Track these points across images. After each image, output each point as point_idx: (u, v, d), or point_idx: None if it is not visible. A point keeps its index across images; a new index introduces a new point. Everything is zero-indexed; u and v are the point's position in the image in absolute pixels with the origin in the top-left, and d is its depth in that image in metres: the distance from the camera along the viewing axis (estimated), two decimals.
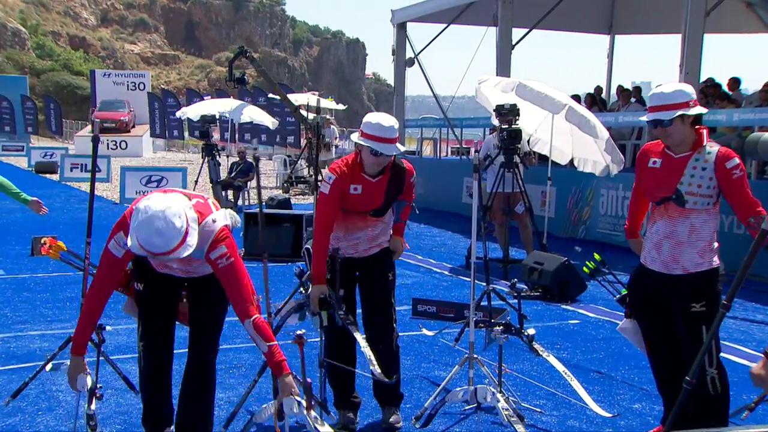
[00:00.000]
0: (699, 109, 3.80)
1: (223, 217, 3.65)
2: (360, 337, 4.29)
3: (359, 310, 4.61)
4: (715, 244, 3.90)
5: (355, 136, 4.34)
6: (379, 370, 4.13)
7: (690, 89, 3.84)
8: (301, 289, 4.65)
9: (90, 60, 70.27)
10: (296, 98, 24.55)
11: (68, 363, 3.61)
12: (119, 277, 3.67)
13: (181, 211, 3.36)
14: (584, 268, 4.62)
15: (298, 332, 3.96)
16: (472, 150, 22.99)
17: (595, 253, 4.66)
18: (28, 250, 10.04)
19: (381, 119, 4.29)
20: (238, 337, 6.37)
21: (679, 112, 3.73)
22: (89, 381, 3.64)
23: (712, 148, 3.80)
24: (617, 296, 4.34)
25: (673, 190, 3.81)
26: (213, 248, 3.50)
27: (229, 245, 3.53)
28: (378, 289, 4.50)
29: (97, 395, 3.84)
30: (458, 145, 19.32)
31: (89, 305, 3.60)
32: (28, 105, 40.76)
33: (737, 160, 3.76)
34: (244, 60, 17.51)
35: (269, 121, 19.53)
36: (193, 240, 3.36)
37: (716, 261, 3.91)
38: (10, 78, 49.16)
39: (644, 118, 3.98)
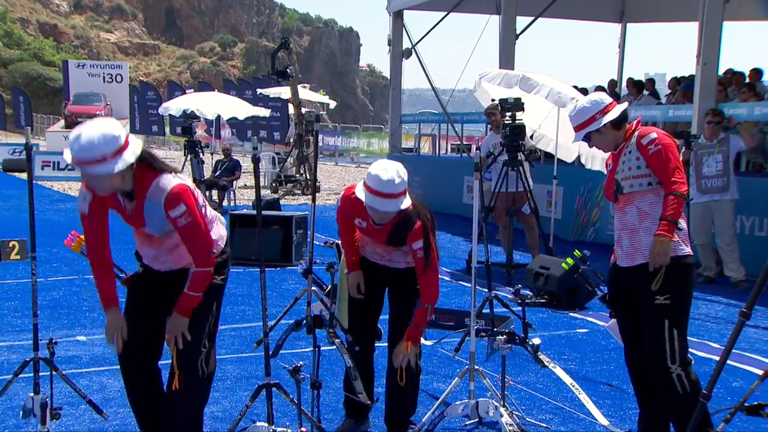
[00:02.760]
0: (611, 115, 4.09)
1: (185, 179, 3.83)
2: (348, 358, 4.38)
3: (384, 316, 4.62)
4: (682, 236, 4.00)
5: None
6: (363, 392, 4.32)
7: (599, 97, 4.17)
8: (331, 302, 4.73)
9: (62, 49, 70.16)
10: (284, 91, 24.60)
11: None
12: (104, 230, 3.85)
13: (122, 133, 3.56)
14: (563, 264, 4.73)
15: (296, 364, 4.03)
16: (474, 147, 23.06)
17: (575, 250, 4.69)
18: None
19: (380, 171, 4.09)
20: (223, 347, 6.39)
21: (588, 130, 4.14)
22: (38, 398, 3.83)
23: (638, 131, 4.13)
24: (599, 295, 4.44)
25: (611, 192, 4.20)
26: (172, 206, 3.66)
27: (189, 205, 3.69)
28: (403, 307, 4.46)
29: (53, 414, 3.86)
30: (458, 142, 19.36)
31: (95, 262, 3.85)
32: None
33: (653, 135, 4.04)
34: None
35: (243, 112, 19.36)
36: (129, 158, 3.55)
37: (682, 248, 4.01)
38: None
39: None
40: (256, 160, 4.08)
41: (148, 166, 3.73)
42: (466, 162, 16.40)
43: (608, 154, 4.32)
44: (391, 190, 4.08)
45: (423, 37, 17.61)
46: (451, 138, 22.06)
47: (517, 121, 8.96)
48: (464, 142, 19.54)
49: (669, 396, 4.03)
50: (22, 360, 4.39)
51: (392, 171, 4.11)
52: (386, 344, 4.54)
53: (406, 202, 4.16)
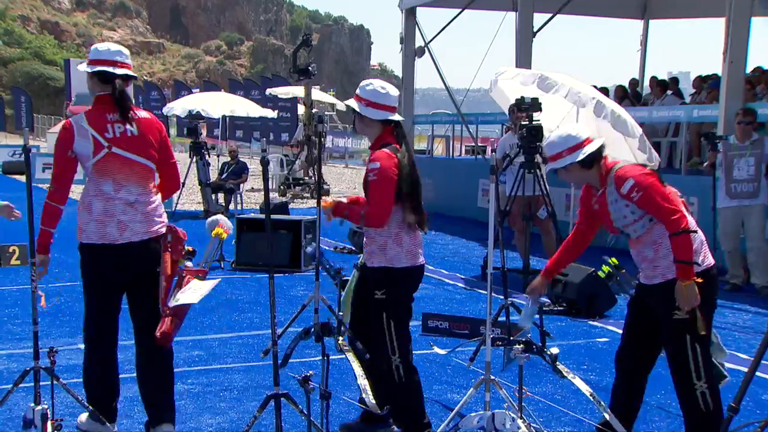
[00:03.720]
0: (575, 156, 4.17)
1: None
2: (357, 366, 4.40)
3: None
4: (696, 249, 4.09)
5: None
6: (373, 401, 4.28)
7: (572, 133, 4.24)
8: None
9: (64, 48, 70.58)
10: (292, 91, 24.66)
11: None
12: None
13: None
14: (599, 273, 4.76)
15: (306, 374, 4.06)
16: (489, 149, 23.05)
17: (611, 258, 4.69)
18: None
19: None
20: (229, 356, 6.41)
21: (552, 166, 4.29)
22: (39, 408, 3.93)
23: (613, 174, 4.17)
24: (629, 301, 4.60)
25: (616, 229, 4.32)
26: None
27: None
28: (372, 308, 4.56)
29: (55, 425, 3.88)
30: (473, 144, 19.34)
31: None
32: None
33: (631, 181, 4.08)
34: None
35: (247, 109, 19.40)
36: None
37: (705, 262, 4.13)
38: None
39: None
40: (265, 163, 4.08)
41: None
42: (481, 164, 16.38)
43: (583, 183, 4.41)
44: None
45: (436, 35, 17.62)
46: (466, 139, 22.03)
47: (534, 122, 8.94)
48: (479, 144, 19.53)
49: (692, 417, 4.12)
50: (22, 369, 4.41)
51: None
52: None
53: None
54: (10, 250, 9.83)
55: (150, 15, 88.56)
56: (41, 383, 4.24)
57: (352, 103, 4.46)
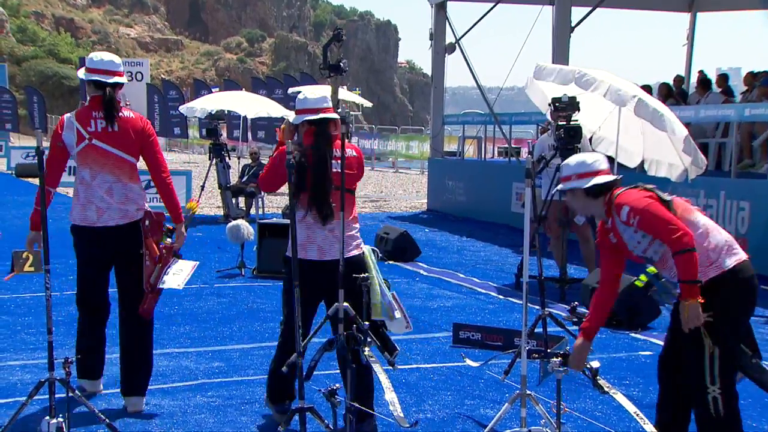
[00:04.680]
0: (582, 182, 4.46)
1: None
2: (384, 378, 4.44)
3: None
4: (716, 253, 4.26)
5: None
6: (401, 414, 4.36)
7: (589, 160, 4.54)
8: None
9: (79, 45, 71.37)
10: (316, 90, 24.73)
11: None
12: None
13: None
14: (636, 282, 4.81)
15: (332, 387, 4.09)
16: (524, 151, 22.96)
17: (649, 266, 4.67)
18: (7, 266, 10.17)
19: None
20: (251, 367, 6.44)
21: (560, 187, 4.63)
22: (54, 422, 4.06)
23: (613, 202, 4.44)
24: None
25: (638, 258, 4.53)
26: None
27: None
28: None
29: None
30: (506, 145, 19.30)
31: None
32: (5, 98, 41.31)
33: (626, 208, 4.32)
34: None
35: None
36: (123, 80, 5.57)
37: (727, 263, 4.25)
38: None
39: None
40: (290, 166, 4.11)
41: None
42: (515, 167, 16.33)
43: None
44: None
45: (468, 30, 17.61)
46: (499, 141, 21.98)
47: (572, 122, 8.91)
48: (513, 145, 19.48)
49: (702, 420, 4.27)
50: (36, 380, 4.46)
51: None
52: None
53: None
54: (24, 256, 9.90)
55: (168, 11, 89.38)
56: (56, 395, 4.29)
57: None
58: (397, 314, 5.00)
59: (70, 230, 5.45)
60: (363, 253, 5.15)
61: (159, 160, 5.61)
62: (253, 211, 15.76)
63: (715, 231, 4.32)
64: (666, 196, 4.39)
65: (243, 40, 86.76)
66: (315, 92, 5.20)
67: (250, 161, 16.66)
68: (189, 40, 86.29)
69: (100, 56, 5.56)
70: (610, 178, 4.49)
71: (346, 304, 4.64)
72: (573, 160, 4.61)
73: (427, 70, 22.43)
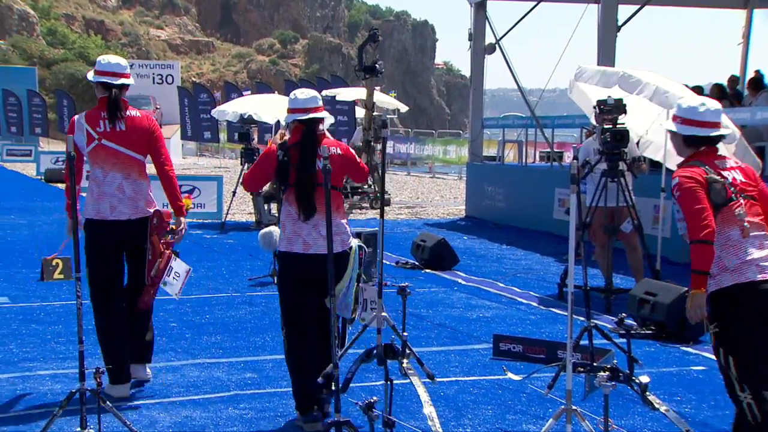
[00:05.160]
0: (676, 126, 4.56)
1: None
2: (423, 391, 4.54)
3: None
4: (723, 263, 4.36)
5: None
6: (439, 429, 4.48)
7: (701, 109, 4.53)
8: None
9: (109, 48, 72.26)
10: (350, 93, 24.82)
11: None
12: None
13: None
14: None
15: (369, 400, 4.11)
16: (567, 155, 22.82)
17: None
18: (37, 273, 10.31)
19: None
20: (284, 378, 6.44)
21: (667, 126, 4.70)
22: None
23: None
24: None
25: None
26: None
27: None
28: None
29: None
30: (549, 149, 19.19)
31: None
32: (36, 101, 41.91)
33: (675, 180, 4.44)
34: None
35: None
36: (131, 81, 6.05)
37: (723, 281, 4.34)
38: (17, 69, 50.73)
39: None
40: (326, 171, 4.12)
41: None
42: (558, 172, 16.24)
43: None
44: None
45: (509, 30, 17.56)
46: (540, 145, 21.86)
47: (618, 125, 8.84)
48: (555, 150, 19.36)
49: (742, 427, 4.38)
50: (67, 391, 4.51)
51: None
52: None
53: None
54: (53, 263, 10.04)
55: (199, 12, 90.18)
56: (87, 406, 4.33)
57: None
58: (353, 315, 5.47)
59: (84, 226, 5.84)
60: (350, 248, 5.50)
61: (164, 155, 6.09)
62: None
63: (740, 247, 4.35)
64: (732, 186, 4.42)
65: (275, 41, 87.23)
66: (305, 92, 5.53)
67: None
68: (220, 41, 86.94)
69: (108, 59, 6.08)
70: (708, 132, 4.51)
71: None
72: (689, 101, 4.63)
73: (466, 71, 22.42)
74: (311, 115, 5.38)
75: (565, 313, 4.36)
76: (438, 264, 11.42)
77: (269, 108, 18.68)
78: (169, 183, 6.09)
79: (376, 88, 22.90)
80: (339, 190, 5.56)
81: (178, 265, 6.07)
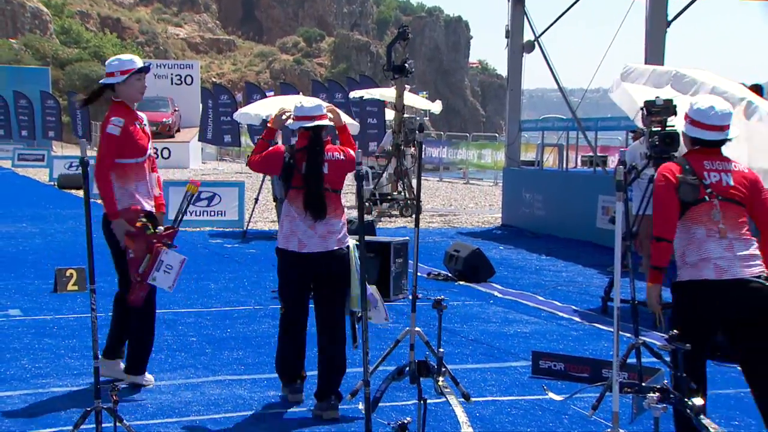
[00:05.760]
0: (684, 126, 4.96)
1: None
2: (460, 411, 4.66)
3: None
4: (688, 258, 4.87)
5: None
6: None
7: (709, 112, 4.87)
8: None
9: (126, 47, 72.92)
10: (380, 93, 24.87)
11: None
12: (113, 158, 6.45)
13: None
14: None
15: (402, 420, 4.16)
16: (611, 160, 22.70)
17: None
18: (50, 285, 10.42)
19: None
20: (310, 397, 6.43)
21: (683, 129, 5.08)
22: None
23: None
24: None
25: None
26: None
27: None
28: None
29: None
30: (591, 154, 19.10)
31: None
32: (49, 103, 42.33)
33: (655, 175, 4.86)
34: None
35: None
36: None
37: (683, 274, 4.90)
38: (29, 70, 51.28)
39: None
40: (359, 177, 4.12)
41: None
42: (601, 178, 16.15)
43: None
44: None
45: (549, 27, 17.50)
46: (582, 148, 21.79)
47: (668, 128, 8.78)
48: (599, 154, 19.27)
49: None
50: (82, 409, 4.53)
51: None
52: None
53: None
54: (67, 274, 10.15)
55: (220, 9, 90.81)
56: (103, 425, 4.35)
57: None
58: (379, 305, 6.00)
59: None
60: (347, 246, 5.98)
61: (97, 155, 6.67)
62: None
63: (702, 245, 4.79)
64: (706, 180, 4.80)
65: (300, 39, 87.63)
66: (311, 100, 6.19)
67: None
68: (242, 40, 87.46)
69: (117, 59, 6.70)
70: (712, 136, 4.86)
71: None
72: (701, 103, 4.94)
73: (502, 70, 22.43)
74: (317, 123, 5.99)
75: (611, 329, 4.33)
76: (472, 275, 11.39)
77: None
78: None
79: (406, 88, 22.95)
80: (338, 192, 6.13)
81: (171, 258, 6.26)
